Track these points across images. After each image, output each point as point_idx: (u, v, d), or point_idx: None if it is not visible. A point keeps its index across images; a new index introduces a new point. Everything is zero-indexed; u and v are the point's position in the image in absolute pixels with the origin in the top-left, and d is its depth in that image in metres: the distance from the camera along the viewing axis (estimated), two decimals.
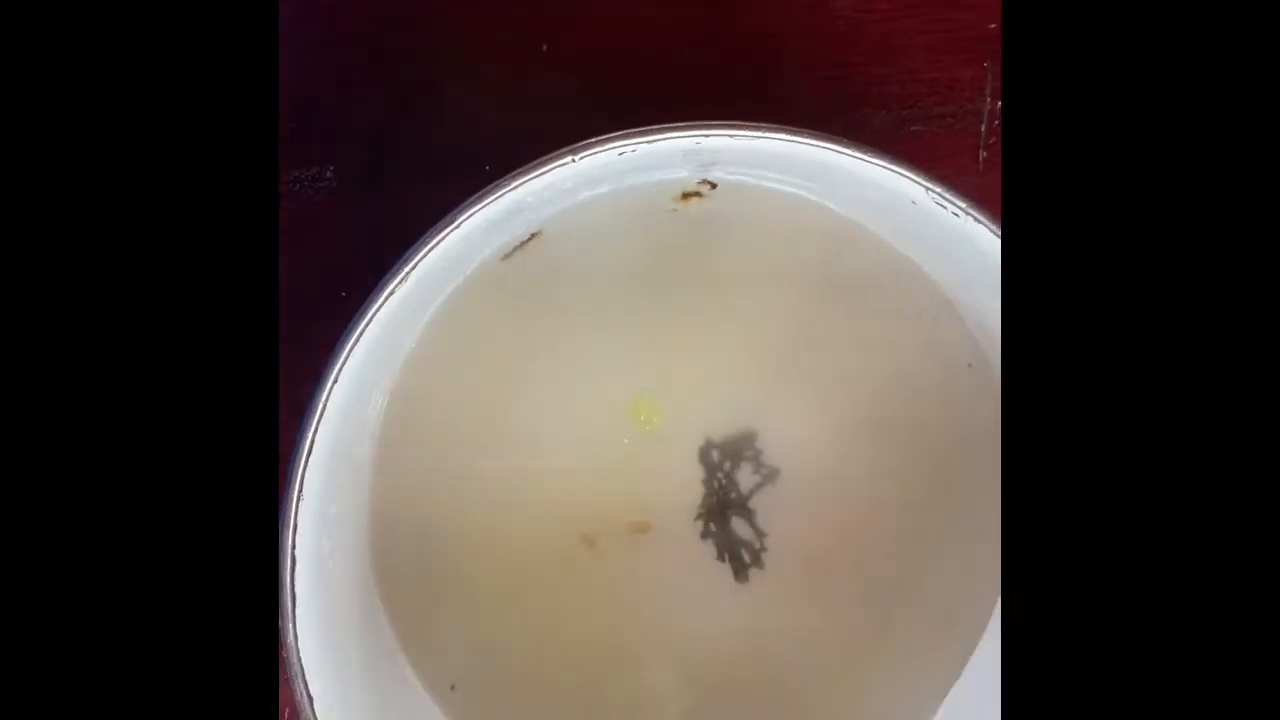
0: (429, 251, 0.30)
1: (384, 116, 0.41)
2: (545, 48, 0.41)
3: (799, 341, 0.39)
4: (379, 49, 0.41)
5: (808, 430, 0.40)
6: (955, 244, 0.34)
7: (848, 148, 0.32)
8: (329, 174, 0.41)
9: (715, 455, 0.40)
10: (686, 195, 0.37)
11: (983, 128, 0.43)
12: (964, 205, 0.32)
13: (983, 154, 0.43)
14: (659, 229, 0.37)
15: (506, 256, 0.36)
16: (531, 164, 0.31)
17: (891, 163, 0.32)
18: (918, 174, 0.32)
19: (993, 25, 0.43)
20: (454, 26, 0.42)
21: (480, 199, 0.31)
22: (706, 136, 0.31)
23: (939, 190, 0.32)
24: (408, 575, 0.37)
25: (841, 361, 0.39)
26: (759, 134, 0.31)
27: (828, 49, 0.43)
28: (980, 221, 0.32)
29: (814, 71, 0.43)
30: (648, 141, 0.31)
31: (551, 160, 0.31)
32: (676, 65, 0.42)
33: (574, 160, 0.31)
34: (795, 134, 0.31)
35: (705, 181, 0.36)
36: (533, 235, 0.36)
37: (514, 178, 0.31)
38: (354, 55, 0.41)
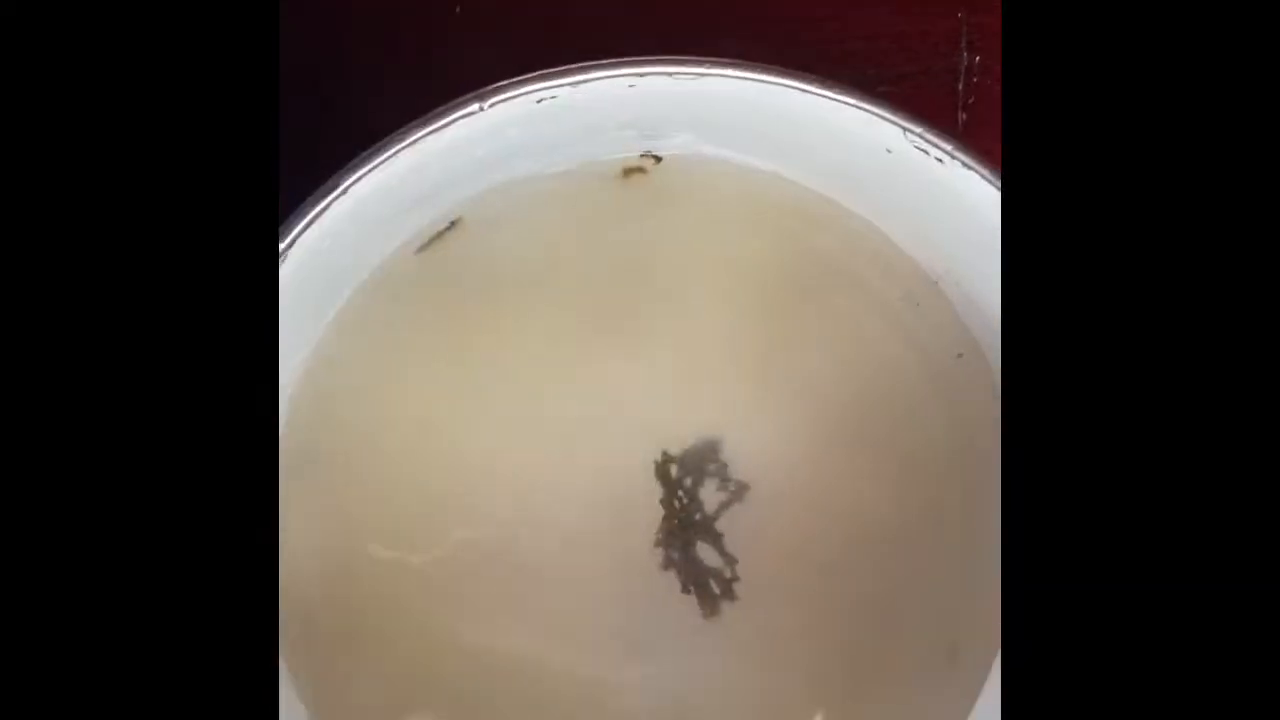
0: (308, 225, 0.24)
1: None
2: (458, 9, 0.36)
3: (765, 338, 0.34)
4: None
5: (779, 438, 0.34)
6: (940, 202, 0.29)
7: (808, 82, 0.26)
8: None
9: (674, 470, 0.34)
10: (628, 171, 0.31)
11: (960, 86, 0.38)
12: (950, 148, 0.27)
13: (962, 116, 0.38)
14: (598, 213, 0.32)
15: (422, 249, 0.31)
16: (430, 114, 0.25)
17: (860, 99, 0.27)
18: (892, 112, 0.27)
19: None
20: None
21: (370, 158, 0.25)
22: (641, 75, 0.26)
23: (919, 131, 0.27)
24: (317, 624, 0.31)
25: (814, 358, 0.34)
26: (703, 70, 0.26)
27: (784, 5, 0.38)
28: (970, 167, 0.27)
29: (765, 27, 0.38)
30: (570, 84, 0.26)
31: (455, 109, 0.25)
32: (608, 27, 0.37)
33: (481, 109, 0.25)
34: (746, 69, 0.26)
35: (649, 155, 0.31)
36: (451, 223, 0.31)
37: (409, 131, 0.25)
38: None
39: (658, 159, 0.32)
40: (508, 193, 0.31)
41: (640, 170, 0.32)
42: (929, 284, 0.33)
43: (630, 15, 0.37)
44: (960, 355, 0.33)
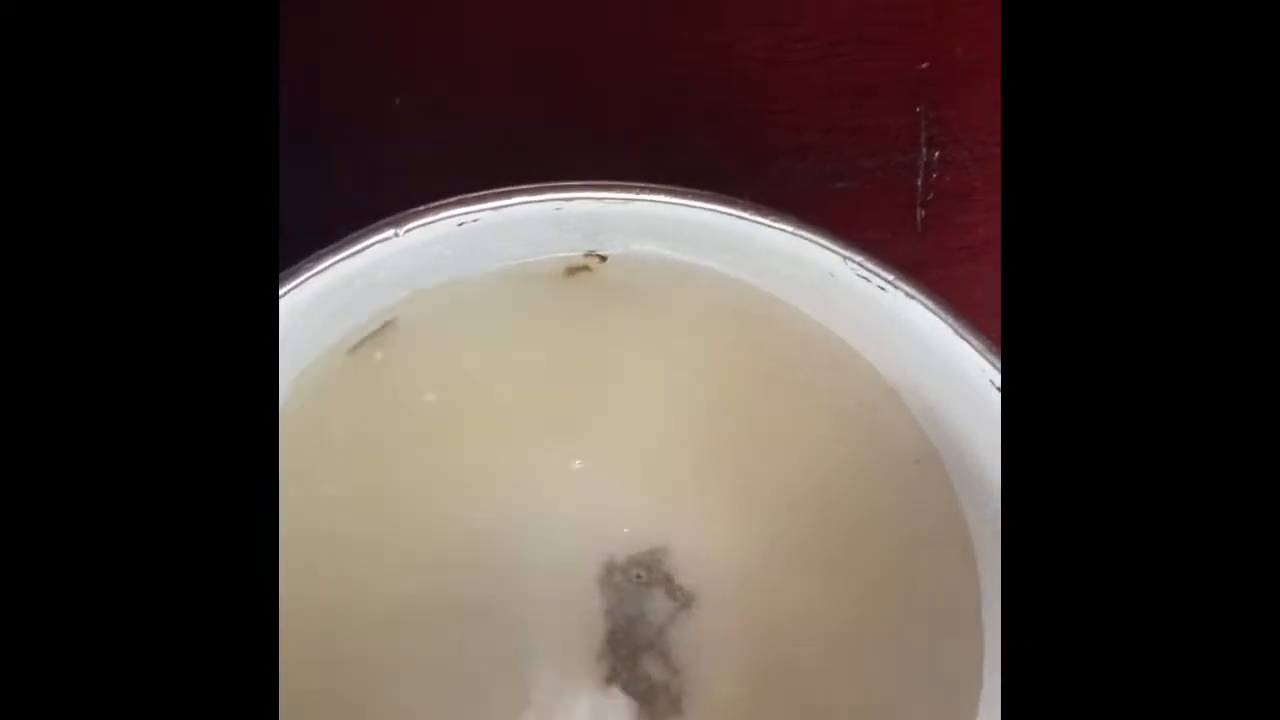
0: None
1: None
2: (398, 101, 0.35)
3: (716, 440, 0.33)
4: None
5: (729, 545, 0.33)
6: (889, 323, 0.28)
7: (743, 210, 0.25)
8: None
9: (619, 579, 0.33)
10: (572, 270, 0.30)
11: (919, 182, 0.37)
12: (891, 277, 0.26)
13: (921, 212, 0.37)
14: (542, 312, 0.31)
15: (353, 349, 0.30)
16: (344, 240, 0.24)
17: (798, 227, 0.26)
18: (830, 239, 0.26)
19: (924, 65, 0.37)
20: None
21: (283, 281, 0.24)
22: (568, 200, 0.25)
23: (859, 260, 0.26)
24: None
25: (766, 463, 0.33)
26: (631, 195, 0.25)
27: (739, 97, 0.37)
28: (913, 297, 0.26)
29: (724, 122, 0.37)
30: (493, 208, 0.25)
31: (368, 235, 0.24)
32: (565, 121, 0.36)
33: (397, 234, 0.24)
34: (675, 195, 0.25)
35: (593, 254, 0.30)
36: (385, 324, 0.30)
37: (321, 257, 0.24)
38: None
39: (602, 258, 0.31)
40: (446, 292, 0.30)
41: (585, 269, 0.31)
42: (886, 390, 0.32)
43: (589, 102, 0.37)
44: (918, 461, 0.32)
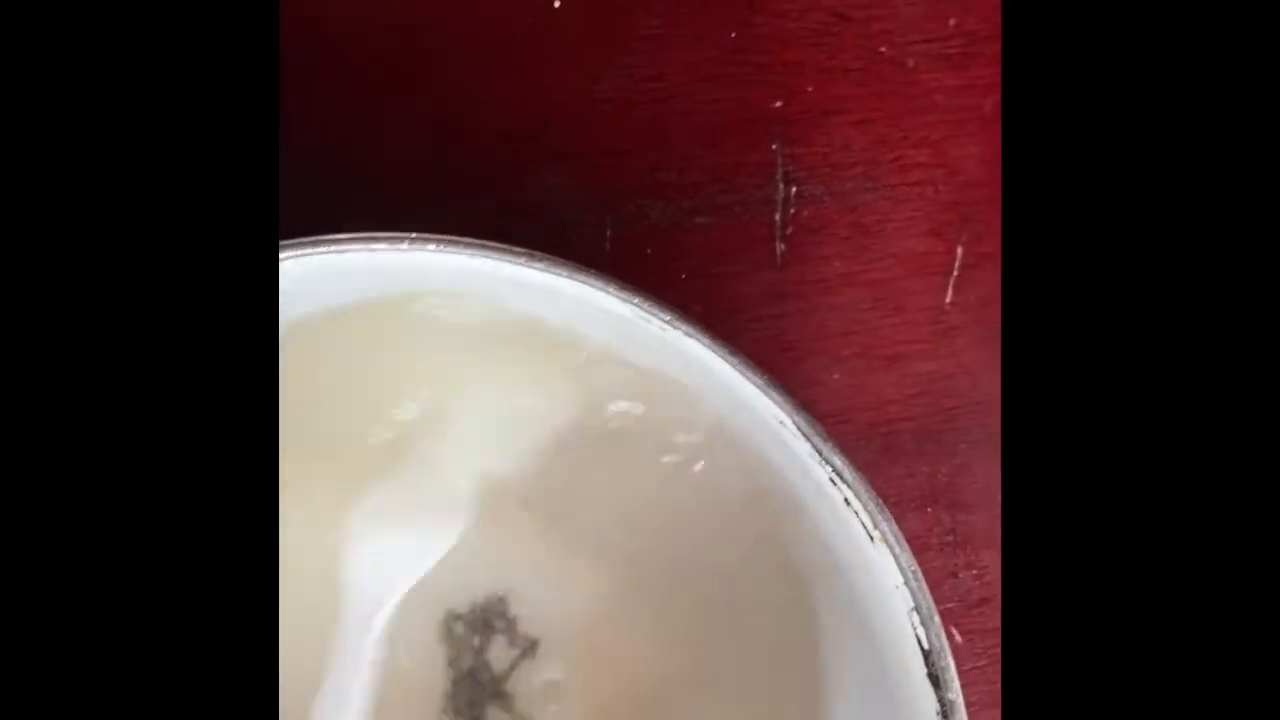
0: None
1: None
2: None
3: (552, 486, 0.33)
4: None
5: (569, 591, 0.33)
6: (689, 361, 0.28)
7: (521, 258, 0.26)
8: None
9: (460, 629, 0.33)
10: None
11: (777, 216, 0.38)
12: (669, 317, 0.26)
13: (780, 246, 0.38)
14: (355, 352, 0.31)
15: None
16: None
17: (574, 271, 0.26)
18: (606, 282, 0.26)
19: (779, 103, 0.37)
20: None
21: None
22: (340, 253, 0.26)
23: (636, 302, 0.26)
24: None
25: (603, 507, 0.33)
26: (405, 249, 0.26)
27: (593, 137, 0.37)
28: (692, 335, 0.27)
29: (579, 161, 0.37)
30: (294, 257, 0.26)
31: None
32: (418, 170, 0.37)
33: None
34: (449, 244, 0.26)
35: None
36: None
37: None
38: None
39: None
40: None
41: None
42: (712, 429, 0.32)
43: (440, 143, 0.37)
44: (747, 504, 0.32)
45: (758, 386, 0.27)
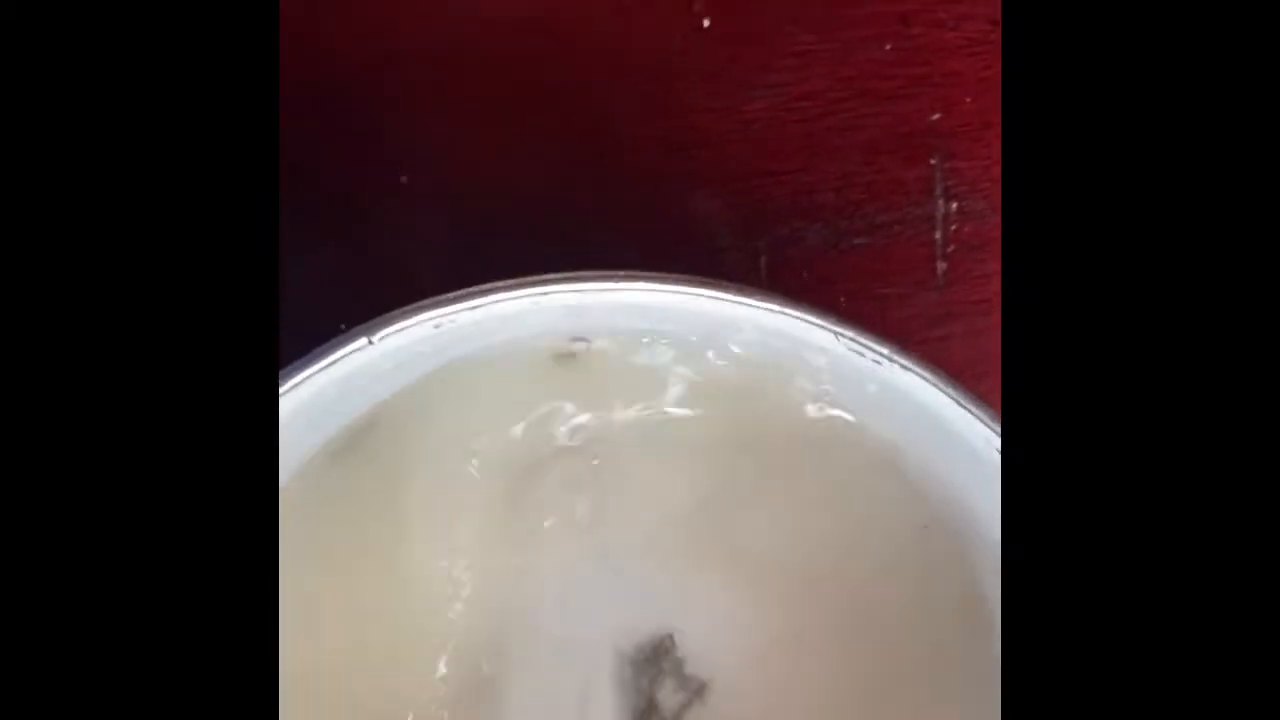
0: None
1: None
2: (404, 180, 0.35)
3: (719, 520, 0.32)
4: None
5: (739, 628, 0.32)
6: (887, 393, 0.27)
7: (726, 291, 0.25)
8: None
9: (627, 672, 0.32)
10: (559, 356, 0.30)
11: (938, 235, 0.36)
12: (886, 351, 0.25)
13: (941, 265, 0.36)
14: (530, 399, 0.31)
15: (335, 454, 0.29)
16: (317, 350, 0.24)
17: (784, 305, 0.25)
18: (821, 317, 0.25)
19: (936, 115, 0.36)
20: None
21: None
22: (545, 294, 0.25)
23: (850, 335, 0.25)
24: None
25: (771, 541, 0.32)
26: (611, 285, 0.25)
27: (745, 158, 0.36)
28: (910, 369, 0.25)
29: (731, 185, 0.36)
30: (469, 308, 0.24)
31: (341, 345, 0.24)
32: (567, 195, 0.36)
33: (370, 342, 0.24)
34: (656, 281, 0.25)
35: (579, 339, 0.29)
36: (369, 425, 0.29)
37: (295, 370, 0.24)
38: None
39: (588, 342, 0.30)
40: (429, 387, 0.29)
41: (570, 355, 0.30)
42: (885, 457, 0.31)
43: (594, 173, 0.36)
44: (925, 527, 0.31)
45: (975, 416, 0.25)
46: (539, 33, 0.35)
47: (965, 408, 0.25)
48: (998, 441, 0.25)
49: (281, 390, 0.24)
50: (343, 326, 0.25)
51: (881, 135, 0.36)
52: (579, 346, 0.30)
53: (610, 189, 0.36)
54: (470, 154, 0.35)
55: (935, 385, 0.25)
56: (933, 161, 0.36)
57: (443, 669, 0.32)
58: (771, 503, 0.33)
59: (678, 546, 0.33)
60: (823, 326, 0.25)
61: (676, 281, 0.25)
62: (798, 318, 0.25)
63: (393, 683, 0.31)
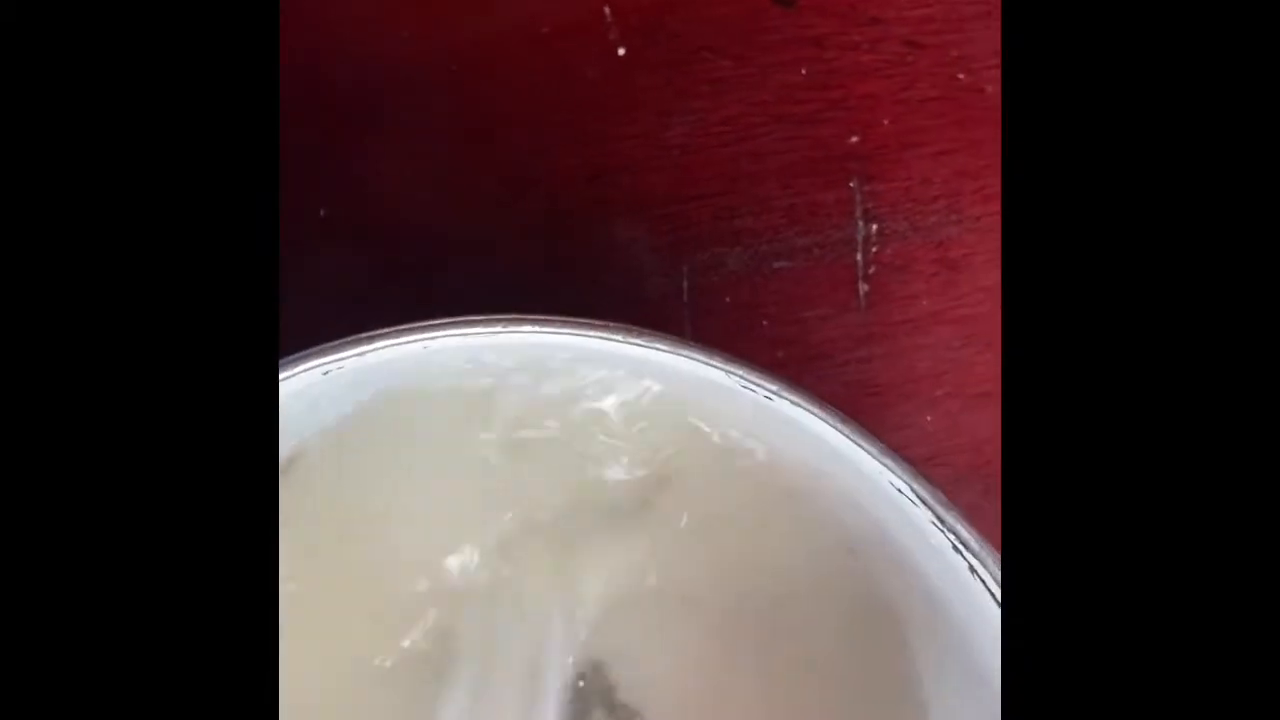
0: None
1: None
2: (322, 213, 0.35)
3: (644, 548, 0.32)
4: None
5: (668, 656, 0.32)
6: (787, 425, 0.27)
7: (612, 333, 0.25)
8: None
9: (555, 701, 0.32)
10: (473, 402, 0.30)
11: (859, 257, 0.36)
12: (775, 388, 0.25)
13: (863, 287, 0.36)
14: (454, 438, 0.31)
15: None
16: None
17: (675, 345, 0.25)
18: (707, 355, 0.25)
19: (854, 138, 0.36)
20: None
21: None
22: (434, 339, 0.25)
23: (740, 373, 0.25)
24: None
25: (698, 567, 0.32)
26: (495, 330, 0.25)
27: (665, 184, 0.36)
28: (799, 405, 0.25)
29: (651, 212, 0.36)
30: (358, 354, 0.25)
31: None
32: (488, 225, 0.36)
33: None
34: (541, 324, 0.25)
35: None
36: (288, 462, 0.29)
37: None
38: None
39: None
40: (350, 426, 0.29)
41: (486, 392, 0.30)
42: (804, 485, 0.31)
43: (503, 201, 0.36)
44: (851, 550, 0.31)
45: (871, 454, 0.26)
46: (458, 65, 0.36)
47: (855, 441, 0.25)
48: (892, 478, 0.26)
49: None
50: None
51: (800, 159, 0.36)
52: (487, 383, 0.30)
53: (533, 219, 0.36)
54: (390, 187, 0.35)
55: (825, 420, 0.25)
56: (852, 184, 0.36)
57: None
58: (698, 531, 0.33)
59: (610, 579, 0.33)
60: (708, 364, 0.25)
61: (564, 325, 0.25)
62: (685, 355, 0.25)
63: None
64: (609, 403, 0.31)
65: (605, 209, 0.36)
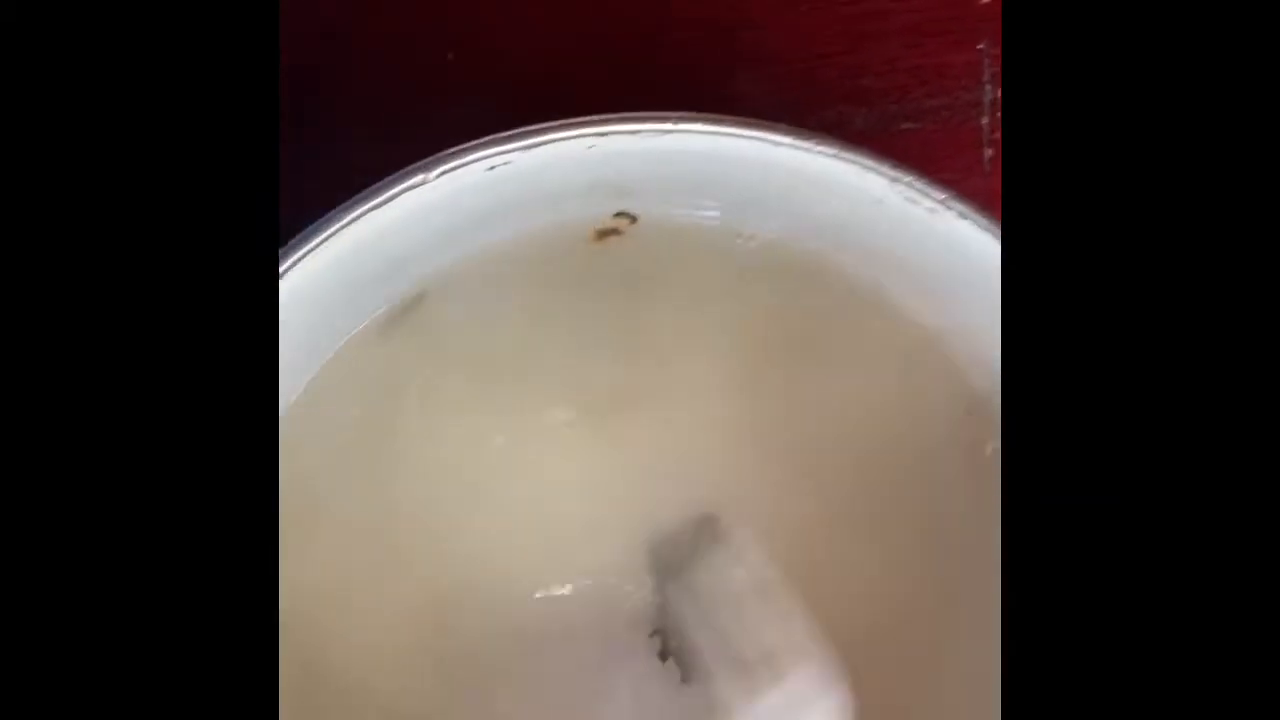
0: None
1: None
2: (451, 56, 0.34)
3: (759, 407, 0.31)
4: None
5: (780, 515, 0.32)
6: (934, 253, 0.27)
7: (781, 134, 0.24)
8: None
9: (668, 552, 0.31)
10: (602, 234, 0.29)
11: (985, 121, 0.36)
12: (942, 197, 0.25)
13: (988, 152, 0.36)
14: (572, 283, 0.30)
15: (384, 327, 0.29)
16: (373, 188, 0.24)
17: (841, 149, 0.25)
18: (877, 161, 0.25)
19: (985, 0, 0.35)
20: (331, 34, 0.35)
21: (311, 236, 0.24)
22: (602, 135, 0.24)
23: (907, 180, 0.25)
24: None
25: (813, 426, 0.31)
26: (668, 126, 0.24)
27: (791, 40, 0.36)
28: (966, 216, 0.25)
29: (776, 67, 0.36)
30: (523, 147, 0.24)
31: (399, 182, 0.24)
32: (613, 70, 0.35)
33: (427, 180, 0.24)
34: (711, 122, 0.24)
35: (624, 214, 0.29)
36: (416, 298, 0.29)
37: (351, 207, 0.24)
38: None
39: (633, 218, 0.29)
40: (474, 263, 0.29)
41: (615, 232, 0.30)
42: (929, 339, 0.30)
43: (634, 63, 0.36)
44: (969, 411, 0.30)
45: None
46: None
47: None
48: None
49: (336, 228, 0.24)
50: None
51: (929, 19, 0.36)
52: (622, 223, 0.29)
53: (661, 72, 0.36)
54: (516, 33, 0.35)
55: (990, 233, 0.25)
56: (980, 47, 0.36)
57: (482, 556, 0.31)
58: (809, 390, 0.32)
59: (722, 435, 0.32)
60: (879, 172, 0.25)
61: (735, 124, 0.24)
62: (855, 161, 0.25)
63: (432, 575, 0.31)
64: (744, 243, 0.30)
65: (732, 62, 0.36)
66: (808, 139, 0.25)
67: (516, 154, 0.24)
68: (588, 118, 0.24)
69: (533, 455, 0.31)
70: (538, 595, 0.31)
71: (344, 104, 0.35)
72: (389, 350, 0.30)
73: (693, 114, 0.24)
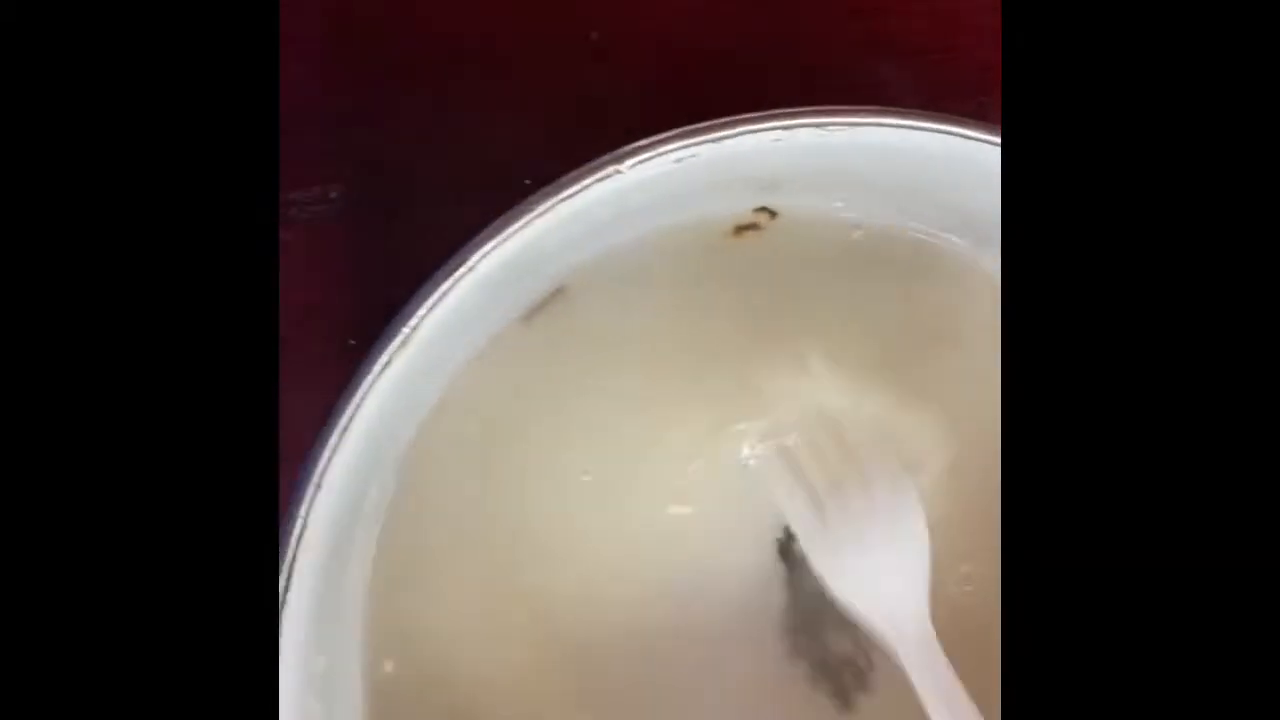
0: (437, 303, 0.23)
1: (395, 126, 0.34)
2: (595, 35, 0.34)
3: (889, 396, 0.32)
4: (385, 35, 0.34)
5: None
6: None
7: (970, 128, 0.24)
8: (333, 195, 0.34)
9: (798, 549, 0.31)
10: (740, 229, 0.29)
11: None
12: None
13: None
14: (710, 273, 0.30)
15: (527, 317, 0.29)
16: (564, 179, 0.24)
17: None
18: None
19: None
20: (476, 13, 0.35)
21: (502, 227, 0.24)
22: (788, 129, 0.24)
23: None
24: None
25: (942, 417, 0.32)
26: (856, 120, 0.24)
27: (931, 29, 0.35)
28: None
29: (917, 58, 0.36)
30: (714, 140, 0.24)
31: (591, 173, 0.24)
32: (750, 54, 0.35)
33: (619, 171, 0.24)
34: (902, 116, 0.24)
35: (764, 210, 0.29)
36: (556, 291, 0.29)
37: (542, 198, 0.24)
38: (357, 49, 0.35)
39: (773, 213, 0.29)
40: (616, 255, 0.29)
41: (754, 226, 0.30)
42: None
43: (779, 48, 0.36)
44: None
45: None
46: None
47: None
48: None
49: (529, 218, 0.24)
50: (527, 182, 0.25)
51: None
52: (762, 218, 0.29)
53: (797, 53, 0.35)
54: (658, 15, 0.35)
55: None
56: None
57: (619, 542, 0.31)
58: (946, 381, 0.32)
59: (854, 425, 0.32)
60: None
61: (922, 118, 0.24)
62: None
63: (572, 561, 0.31)
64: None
65: (866, 49, 0.36)
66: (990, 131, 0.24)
67: (705, 146, 0.24)
68: (777, 110, 0.24)
69: (664, 439, 0.32)
70: (672, 583, 0.32)
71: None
72: (532, 336, 0.30)
73: (881, 108, 0.24)
